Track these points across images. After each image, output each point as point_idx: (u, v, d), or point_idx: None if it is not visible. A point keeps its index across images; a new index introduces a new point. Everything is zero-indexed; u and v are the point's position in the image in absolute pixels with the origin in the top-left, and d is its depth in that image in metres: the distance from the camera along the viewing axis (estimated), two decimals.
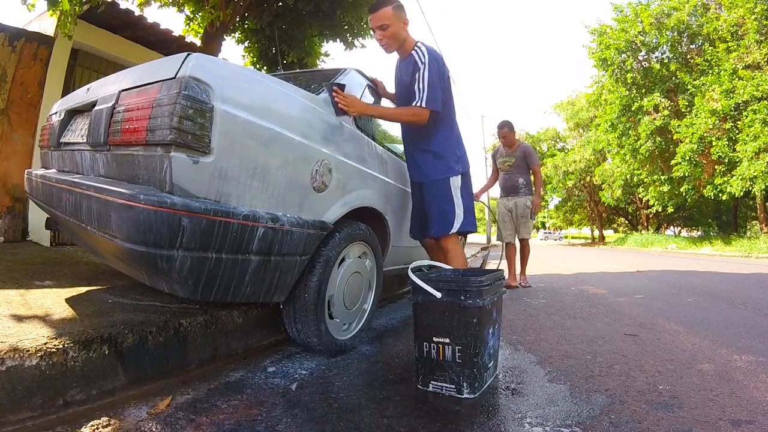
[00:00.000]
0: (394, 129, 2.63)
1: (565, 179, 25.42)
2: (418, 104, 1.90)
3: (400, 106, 2.10)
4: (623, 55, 16.45)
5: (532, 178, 4.01)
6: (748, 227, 19.68)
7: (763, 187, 11.00)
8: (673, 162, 14.21)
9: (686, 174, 13.73)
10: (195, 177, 1.14)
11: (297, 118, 1.50)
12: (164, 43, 4.80)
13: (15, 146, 3.78)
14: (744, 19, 12.55)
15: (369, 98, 2.19)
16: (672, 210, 16.99)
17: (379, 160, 2.07)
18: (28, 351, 1.03)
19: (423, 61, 1.91)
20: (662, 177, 15.82)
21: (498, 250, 13.14)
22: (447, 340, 1.33)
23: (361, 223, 1.87)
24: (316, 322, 1.57)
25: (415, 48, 1.97)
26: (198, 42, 4.77)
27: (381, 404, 1.24)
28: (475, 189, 2.88)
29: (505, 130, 3.93)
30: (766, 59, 12.05)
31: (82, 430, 1.00)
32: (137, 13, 4.14)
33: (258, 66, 5.53)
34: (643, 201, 20.11)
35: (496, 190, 4.30)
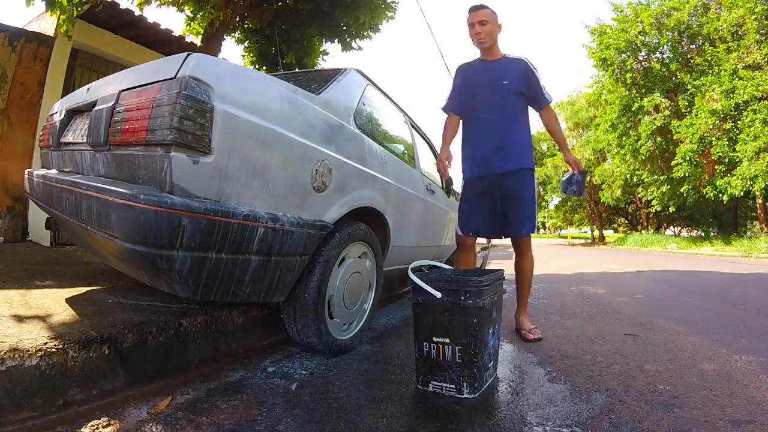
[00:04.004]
0: (393, 129, 2.63)
1: None
2: (549, 101, 2.13)
3: (494, 104, 2.09)
4: (623, 55, 16.44)
5: None
6: (748, 227, 19.68)
7: (764, 186, 10.99)
8: (673, 162, 14.21)
9: (686, 174, 13.72)
10: (195, 177, 1.14)
11: (297, 118, 1.50)
12: (164, 43, 4.80)
13: (15, 146, 3.78)
14: (744, 19, 12.54)
15: (369, 98, 2.18)
16: (673, 210, 16.98)
17: (379, 160, 2.07)
18: (28, 351, 1.03)
19: (534, 67, 2.12)
20: (662, 177, 15.81)
21: (499, 251, 13.13)
22: (447, 340, 1.33)
23: (362, 223, 1.87)
24: (316, 322, 1.57)
25: (515, 57, 2.15)
26: (198, 42, 4.77)
27: (381, 404, 1.24)
28: None
29: None
30: (766, 59, 12.04)
31: (82, 430, 1.00)
32: (137, 12, 4.14)
33: (258, 66, 5.53)
34: (643, 201, 20.09)
35: None
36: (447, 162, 2.18)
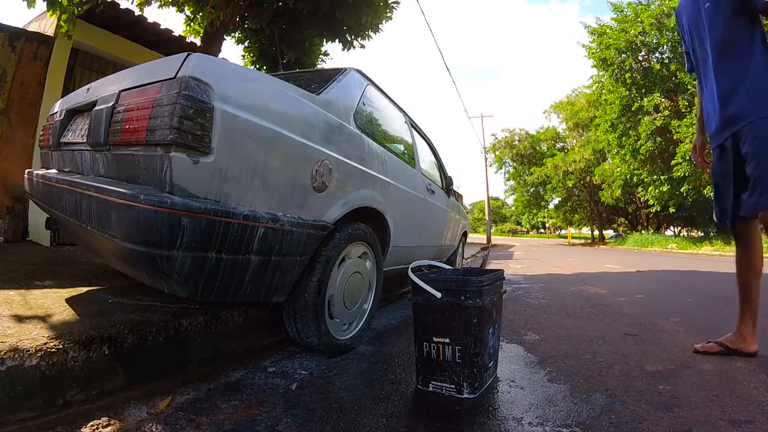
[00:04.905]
0: (394, 129, 2.63)
1: (565, 179, 25.38)
2: None
3: (702, 40, 1.57)
4: (623, 55, 16.45)
5: None
6: None
7: None
8: (673, 162, 14.20)
9: (686, 174, 13.72)
10: (195, 177, 1.14)
11: (297, 118, 1.50)
12: (164, 43, 4.80)
13: (15, 146, 3.77)
14: None
15: (369, 98, 2.18)
16: (674, 210, 16.97)
17: (379, 160, 2.07)
18: (28, 351, 1.03)
19: None
20: (662, 177, 15.82)
21: (499, 251, 13.11)
22: (447, 340, 1.33)
23: (362, 223, 1.87)
24: (316, 322, 1.57)
25: None
26: (198, 42, 4.77)
27: (381, 404, 1.24)
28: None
29: None
30: None
31: (82, 430, 1.00)
32: (137, 13, 4.14)
33: (258, 66, 5.54)
34: (643, 201, 20.08)
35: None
36: (697, 153, 1.68)
